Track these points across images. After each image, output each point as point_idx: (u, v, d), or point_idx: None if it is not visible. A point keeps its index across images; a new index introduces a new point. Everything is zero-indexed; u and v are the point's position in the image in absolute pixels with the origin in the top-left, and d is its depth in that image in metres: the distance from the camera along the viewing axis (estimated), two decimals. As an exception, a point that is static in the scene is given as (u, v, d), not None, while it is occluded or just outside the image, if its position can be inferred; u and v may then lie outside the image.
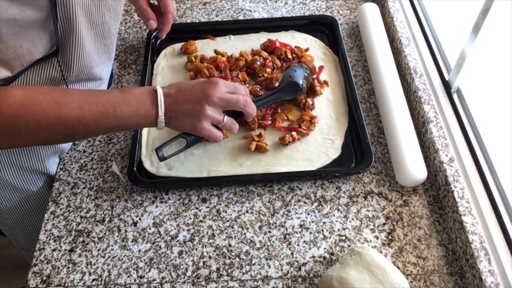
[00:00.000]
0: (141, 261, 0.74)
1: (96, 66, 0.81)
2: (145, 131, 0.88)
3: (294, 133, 0.85)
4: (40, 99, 0.64)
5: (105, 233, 0.77)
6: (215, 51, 1.00)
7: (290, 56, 0.97)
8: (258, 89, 0.92)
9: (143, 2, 0.92)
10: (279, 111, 0.90)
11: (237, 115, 0.78)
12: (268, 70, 0.95)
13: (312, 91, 0.92)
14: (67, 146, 0.88)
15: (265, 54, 0.98)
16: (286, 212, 0.79)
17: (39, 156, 0.83)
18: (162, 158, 0.77)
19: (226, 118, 0.75)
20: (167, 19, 0.94)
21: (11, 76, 0.68)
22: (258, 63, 0.95)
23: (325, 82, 0.94)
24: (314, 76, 0.95)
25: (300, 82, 0.89)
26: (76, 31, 0.71)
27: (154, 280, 0.72)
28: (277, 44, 1.00)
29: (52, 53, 0.71)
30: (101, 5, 0.75)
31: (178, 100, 0.72)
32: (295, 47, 1.00)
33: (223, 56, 0.99)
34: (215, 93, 0.72)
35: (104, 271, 0.73)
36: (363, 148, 0.83)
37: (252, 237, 0.76)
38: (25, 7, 0.61)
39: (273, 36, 1.04)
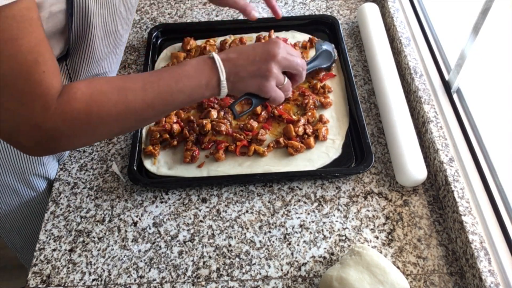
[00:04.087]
0: (141, 261, 0.74)
1: (103, 74, 0.82)
2: (145, 131, 0.88)
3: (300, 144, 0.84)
4: (104, 88, 0.62)
5: (105, 233, 0.77)
6: (206, 41, 1.02)
7: None
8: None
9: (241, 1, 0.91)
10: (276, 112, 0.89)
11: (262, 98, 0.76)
12: None
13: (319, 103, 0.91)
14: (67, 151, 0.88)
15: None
16: (286, 212, 0.79)
17: (40, 160, 0.83)
18: (237, 115, 0.78)
19: (286, 78, 0.73)
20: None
21: None
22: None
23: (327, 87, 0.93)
24: (322, 83, 0.94)
25: (331, 49, 0.96)
26: (90, 39, 0.71)
27: (154, 280, 0.72)
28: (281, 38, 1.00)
29: (61, 58, 0.71)
30: (115, 15, 0.75)
31: (240, 62, 0.70)
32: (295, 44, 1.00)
33: (213, 44, 1.01)
34: (280, 52, 0.71)
35: (104, 271, 0.73)
36: (363, 148, 0.83)
37: (252, 237, 0.76)
38: (45, 23, 0.61)
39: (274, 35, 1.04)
